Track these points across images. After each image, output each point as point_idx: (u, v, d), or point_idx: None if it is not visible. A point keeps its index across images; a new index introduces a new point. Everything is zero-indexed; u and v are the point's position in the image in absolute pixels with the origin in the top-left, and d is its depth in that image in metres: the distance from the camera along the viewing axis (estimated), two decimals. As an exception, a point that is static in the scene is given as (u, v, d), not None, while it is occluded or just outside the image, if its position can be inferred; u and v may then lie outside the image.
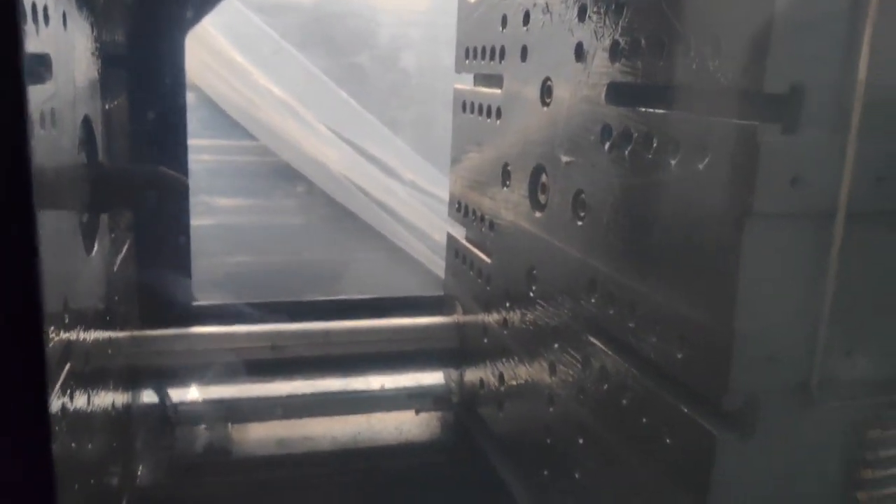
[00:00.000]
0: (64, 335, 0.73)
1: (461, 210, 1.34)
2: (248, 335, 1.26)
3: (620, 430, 0.83)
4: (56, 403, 0.70)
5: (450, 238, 1.41)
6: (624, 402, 0.82)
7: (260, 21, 1.57)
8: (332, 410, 1.38)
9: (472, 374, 1.30)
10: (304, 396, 1.38)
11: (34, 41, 0.64)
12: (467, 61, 1.29)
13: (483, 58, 1.21)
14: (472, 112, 1.27)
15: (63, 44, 0.75)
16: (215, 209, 1.81)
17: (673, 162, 0.72)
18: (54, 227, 0.70)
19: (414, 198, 1.72)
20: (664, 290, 0.75)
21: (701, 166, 0.68)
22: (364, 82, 1.68)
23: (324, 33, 1.63)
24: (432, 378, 1.44)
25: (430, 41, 1.65)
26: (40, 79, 0.67)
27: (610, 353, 0.85)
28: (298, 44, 1.60)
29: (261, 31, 1.57)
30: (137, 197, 0.92)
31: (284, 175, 1.72)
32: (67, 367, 0.74)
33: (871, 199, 0.65)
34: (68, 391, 0.74)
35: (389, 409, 1.40)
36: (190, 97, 1.66)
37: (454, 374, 1.39)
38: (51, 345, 0.68)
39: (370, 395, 1.40)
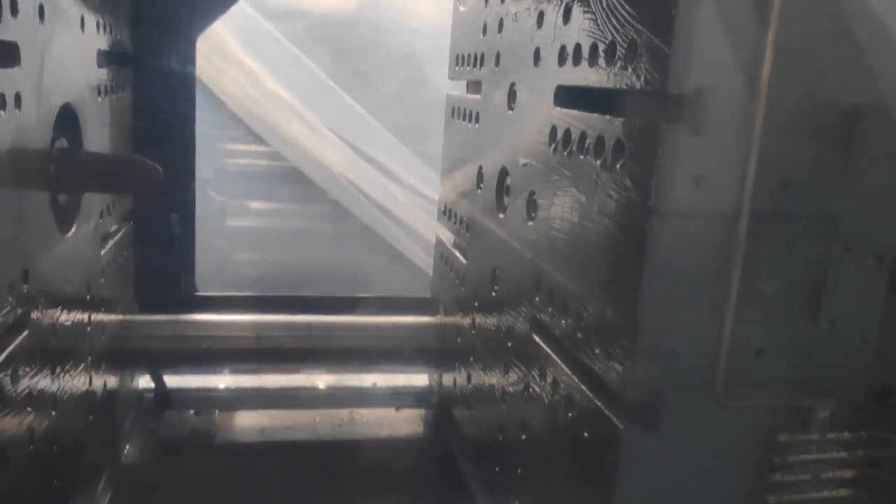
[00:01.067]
0: (21, 304, 0.78)
1: (446, 213, 1.37)
2: (234, 325, 1.31)
3: (553, 426, 0.85)
4: (7, 365, 0.75)
5: (437, 241, 1.44)
6: (556, 398, 0.84)
7: (270, 26, 1.64)
8: (316, 403, 1.42)
9: (448, 374, 1.32)
10: (289, 388, 1.43)
11: (-8, 29, 0.70)
12: (457, 68, 1.33)
13: (469, 64, 1.25)
14: (459, 118, 1.30)
15: (36, 35, 0.81)
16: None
17: (598, 162, 0.74)
18: (11, 201, 0.76)
19: (414, 202, 1.76)
20: (587, 286, 0.76)
21: (618, 166, 0.70)
22: (369, 89, 1.73)
23: (331, 40, 1.69)
24: (416, 377, 1.47)
25: (436, 51, 1.68)
26: (4, 64, 0.73)
27: (549, 351, 0.87)
28: (306, 49, 1.67)
29: (271, 36, 1.64)
30: (114, 182, 0.97)
31: (294, 179, 1.79)
32: (24, 334, 0.80)
33: (777, 201, 0.65)
34: (24, 358, 0.79)
35: (371, 405, 1.43)
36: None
37: (435, 373, 1.42)
38: (3, 309, 0.73)
39: (353, 391, 1.44)
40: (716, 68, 0.63)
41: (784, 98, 0.63)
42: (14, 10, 0.74)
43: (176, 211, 1.46)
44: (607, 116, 0.73)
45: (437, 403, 1.39)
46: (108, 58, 1.14)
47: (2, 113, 0.72)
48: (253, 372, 1.45)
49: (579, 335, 0.78)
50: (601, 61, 0.74)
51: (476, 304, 1.15)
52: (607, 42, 0.73)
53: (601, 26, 0.74)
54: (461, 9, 1.30)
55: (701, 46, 0.63)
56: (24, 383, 0.80)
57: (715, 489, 0.72)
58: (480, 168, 1.15)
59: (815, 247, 0.68)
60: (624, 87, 0.70)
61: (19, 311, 0.78)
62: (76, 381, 1.00)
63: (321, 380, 1.49)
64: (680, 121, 0.63)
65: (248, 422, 1.39)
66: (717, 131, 0.64)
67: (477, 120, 1.19)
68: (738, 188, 0.65)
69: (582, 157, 0.78)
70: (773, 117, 0.63)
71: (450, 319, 1.32)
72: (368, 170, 1.76)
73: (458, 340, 1.25)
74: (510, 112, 1.02)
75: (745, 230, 0.65)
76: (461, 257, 1.27)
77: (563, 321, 0.83)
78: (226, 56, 1.62)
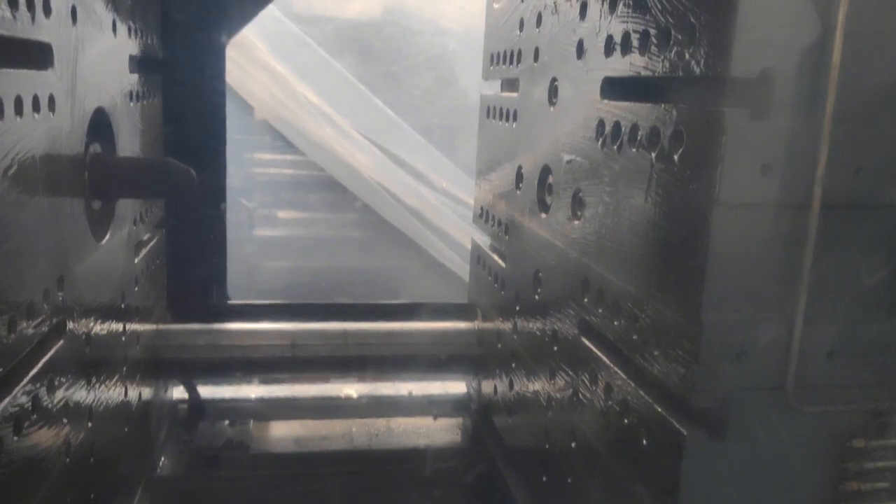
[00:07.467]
0: (56, 313, 0.76)
1: (483, 216, 1.34)
2: (268, 333, 1.29)
3: (607, 434, 0.81)
4: (43, 375, 0.73)
5: (474, 245, 1.41)
6: (611, 403, 0.80)
7: (298, 30, 1.62)
8: (351, 413, 1.39)
9: (487, 381, 1.29)
10: (323, 398, 1.40)
11: (27, 28, 0.68)
12: (492, 67, 1.30)
13: (504, 62, 1.22)
14: (495, 117, 1.27)
15: (69, 37, 0.79)
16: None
17: (652, 154, 0.70)
18: (45, 206, 0.74)
19: (447, 205, 1.73)
20: (643, 285, 0.73)
21: (676, 157, 0.67)
22: (398, 91, 1.71)
23: (360, 42, 1.67)
24: (452, 384, 1.43)
25: (466, 50, 1.66)
26: (38, 65, 0.71)
27: (600, 354, 0.83)
28: (335, 52, 1.64)
29: (299, 40, 1.62)
30: (148, 186, 0.95)
31: (324, 186, 1.77)
32: (60, 343, 0.78)
33: (850, 191, 0.61)
34: (60, 368, 0.77)
35: (408, 413, 1.40)
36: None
37: (474, 380, 1.38)
38: (39, 317, 0.71)
39: (389, 399, 1.41)
40: (782, 49, 0.59)
41: (856, 80, 0.59)
42: (47, 11, 0.72)
43: (207, 218, 1.45)
44: (662, 106, 0.69)
45: (476, 411, 1.36)
46: (138, 63, 1.12)
47: (36, 115, 0.70)
48: (287, 381, 1.43)
49: (635, 337, 0.74)
50: (654, 49, 0.71)
51: (517, 307, 1.12)
52: (661, 27, 0.69)
53: (653, 11, 0.71)
54: (495, 6, 1.27)
55: (766, 26, 0.59)
56: (60, 394, 0.78)
57: (785, 499, 0.68)
58: (520, 168, 1.12)
59: (892, 239, 0.63)
60: (681, 73, 0.66)
61: (55, 319, 0.76)
62: (112, 392, 0.98)
63: (356, 389, 1.46)
64: (745, 106, 0.60)
65: (283, 432, 1.36)
66: (784, 116, 0.60)
67: (514, 119, 1.15)
68: (807, 177, 0.61)
69: (634, 149, 0.74)
70: (844, 101, 0.59)
71: (489, 325, 1.29)
72: (400, 173, 1.73)
73: (499, 346, 1.22)
74: (551, 108, 0.98)
75: (816, 222, 0.61)
76: (499, 260, 1.23)
77: (615, 322, 0.79)
78: (255, 61, 1.61)
